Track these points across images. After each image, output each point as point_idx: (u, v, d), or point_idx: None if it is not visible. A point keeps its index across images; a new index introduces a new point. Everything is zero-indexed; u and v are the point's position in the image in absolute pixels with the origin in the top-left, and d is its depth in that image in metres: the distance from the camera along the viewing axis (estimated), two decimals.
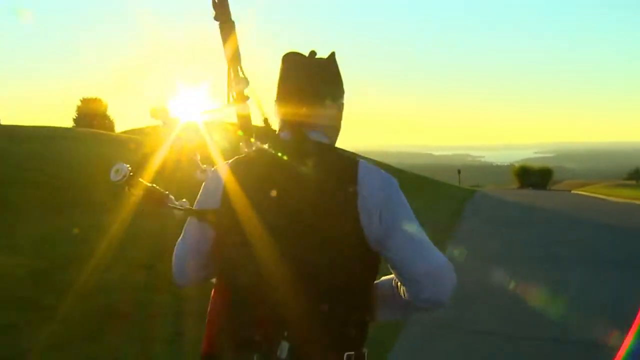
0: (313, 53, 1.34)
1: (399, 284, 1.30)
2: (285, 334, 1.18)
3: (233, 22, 1.32)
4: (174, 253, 1.42)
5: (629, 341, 1.27)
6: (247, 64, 1.37)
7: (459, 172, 37.83)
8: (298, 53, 1.34)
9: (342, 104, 1.38)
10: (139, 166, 1.37)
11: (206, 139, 1.44)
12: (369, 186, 1.22)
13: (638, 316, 1.27)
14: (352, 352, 1.22)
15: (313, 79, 1.32)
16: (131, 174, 1.33)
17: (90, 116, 27.16)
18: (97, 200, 7.35)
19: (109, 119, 29.12)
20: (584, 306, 5.04)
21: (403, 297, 1.29)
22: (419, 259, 1.22)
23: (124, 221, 5.97)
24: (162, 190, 1.39)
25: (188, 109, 1.43)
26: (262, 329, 1.21)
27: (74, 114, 28.58)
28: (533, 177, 33.38)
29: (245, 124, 1.40)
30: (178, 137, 1.39)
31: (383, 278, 1.38)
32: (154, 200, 1.37)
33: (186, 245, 1.39)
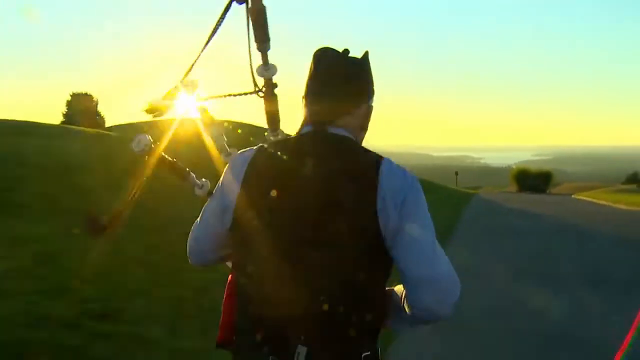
0: (346, 51, 1.30)
1: (404, 293, 1.26)
2: (302, 337, 1.17)
3: (264, 5, 1.30)
4: (191, 231, 1.42)
5: (629, 339, 1.29)
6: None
7: (456, 174, 38.07)
8: (331, 49, 1.30)
9: (372, 105, 1.36)
10: (157, 141, 1.37)
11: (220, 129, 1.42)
12: (390, 185, 1.19)
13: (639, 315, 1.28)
14: (369, 352, 1.21)
15: (345, 79, 1.29)
16: (153, 145, 1.36)
17: (80, 112, 26.69)
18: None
19: (100, 114, 28.67)
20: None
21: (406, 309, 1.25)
22: (421, 262, 1.18)
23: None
24: (183, 166, 1.42)
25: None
26: (278, 331, 1.19)
27: (63, 109, 28.14)
28: (532, 180, 32.97)
29: (273, 119, 1.42)
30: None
31: (395, 287, 1.33)
32: (175, 174, 1.41)
33: (203, 226, 1.39)
